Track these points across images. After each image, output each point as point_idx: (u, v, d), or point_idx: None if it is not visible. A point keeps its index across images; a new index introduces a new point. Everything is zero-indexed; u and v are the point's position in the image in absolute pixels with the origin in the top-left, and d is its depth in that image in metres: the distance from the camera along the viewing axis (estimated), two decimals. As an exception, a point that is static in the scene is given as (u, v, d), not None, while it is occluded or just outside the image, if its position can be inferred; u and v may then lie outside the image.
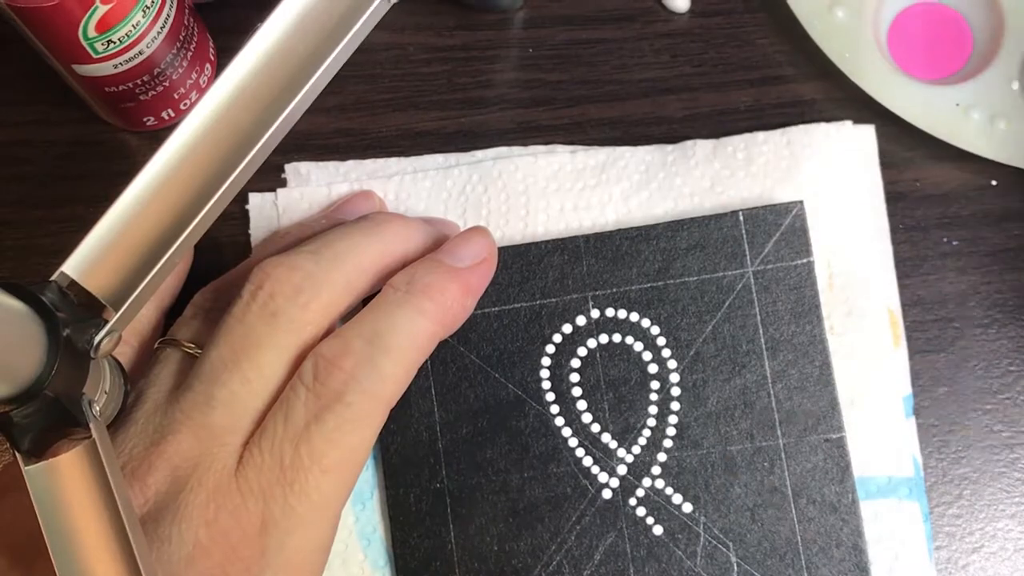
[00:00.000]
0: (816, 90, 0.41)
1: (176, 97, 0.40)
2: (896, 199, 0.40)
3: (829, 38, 0.40)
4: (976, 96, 0.39)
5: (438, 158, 0.41)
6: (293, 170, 0.41)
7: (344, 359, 0.30)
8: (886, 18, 0.41)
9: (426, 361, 0.36)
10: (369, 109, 0.42)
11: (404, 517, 0.37)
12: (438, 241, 0.35)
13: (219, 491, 0.29)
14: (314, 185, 0.40)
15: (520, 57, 0.42)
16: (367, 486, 0.37)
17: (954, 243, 0.40)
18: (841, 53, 0.40)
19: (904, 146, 0.40)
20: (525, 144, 0.41)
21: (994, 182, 0.40)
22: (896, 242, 0.39)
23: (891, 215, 0.40)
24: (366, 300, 0.33)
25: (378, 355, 0.31)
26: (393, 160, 0.41)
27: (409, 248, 0.35)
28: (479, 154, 0.41)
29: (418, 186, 0.40)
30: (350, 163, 0.41)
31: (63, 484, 0.26)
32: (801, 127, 0.39)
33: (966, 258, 0.40)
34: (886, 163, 0.40)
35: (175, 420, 0.30)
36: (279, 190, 0.40)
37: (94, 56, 0.36)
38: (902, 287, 0.39)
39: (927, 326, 0.39)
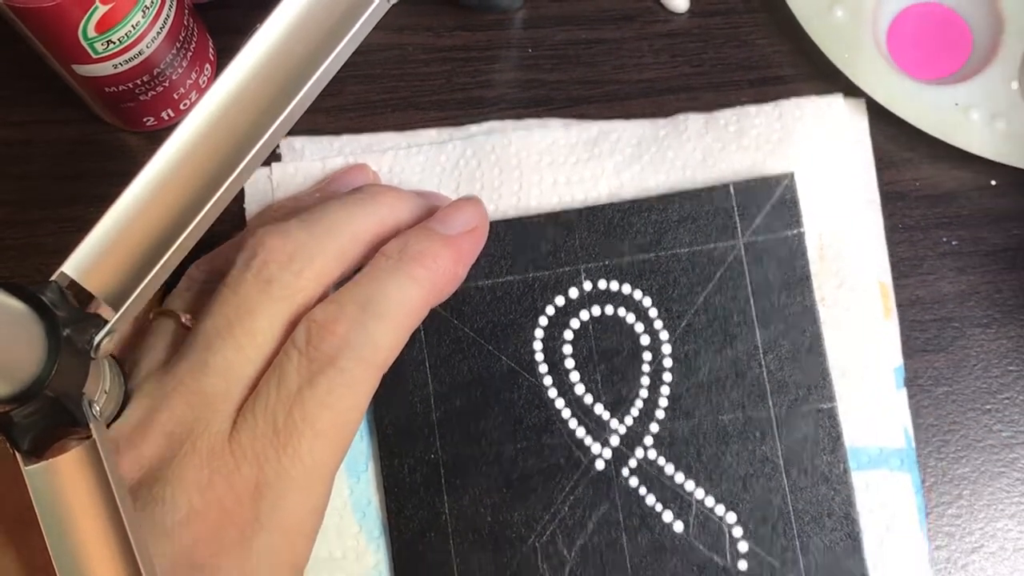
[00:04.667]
0: (815, 90, 0.41)
1: (176, 97, 0.40)
2: (895, 199, 0.40)
3: (828, 38, 0.40)
4: (975, 96, 0.39)
5: (431, 132, 0.41)
6: (287, 144, 0.41)
7: (337, 324, 0.31)
8: (885, 18, 0.41)
9: (420, 333, 0.37)
10: (368, 109, 0.42)
11: (398, 488, 0.37)
12: (431, 213, 0.36)
13: (213, 455, 0.30)
14: (308, 159, 0.40)
15: (519, 57, 0.42)
16: (362, 458, 0.38)
17: (953, 243, 0.40)
18: (840, 53, 0.40)
19: (903, 146, 0.40)
20: (519, 117, 0.41)
21: (993, 182, 0.40)
22: (895, 242, 0.39)
23: (890, 215, 0.40)
24: (359, 271, 0.34)
25: (370, 320, 0.31)
26: (387, 135, 0.41)
27: (402, 219, 0.35)
28: (473, 128, 0.41)
29: (412, 160, 0.40)
30: (344, 137, 0.41)
31: (63, 484, 0.26)
32: (793, 100, 0.40)
33: (965, 258, 0.40)
34: (886, 163, 0.40)
35: (170, 388, 0.30)
36: (273, 164, 0.40)
37: (94, 56, 0.36)
38: (901, 287, 0.39)
39: (926, 326, 0.39)
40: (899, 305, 0.39)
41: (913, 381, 0.38)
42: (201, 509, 0.29)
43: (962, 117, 0.39)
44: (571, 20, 0.43)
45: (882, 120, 0.40)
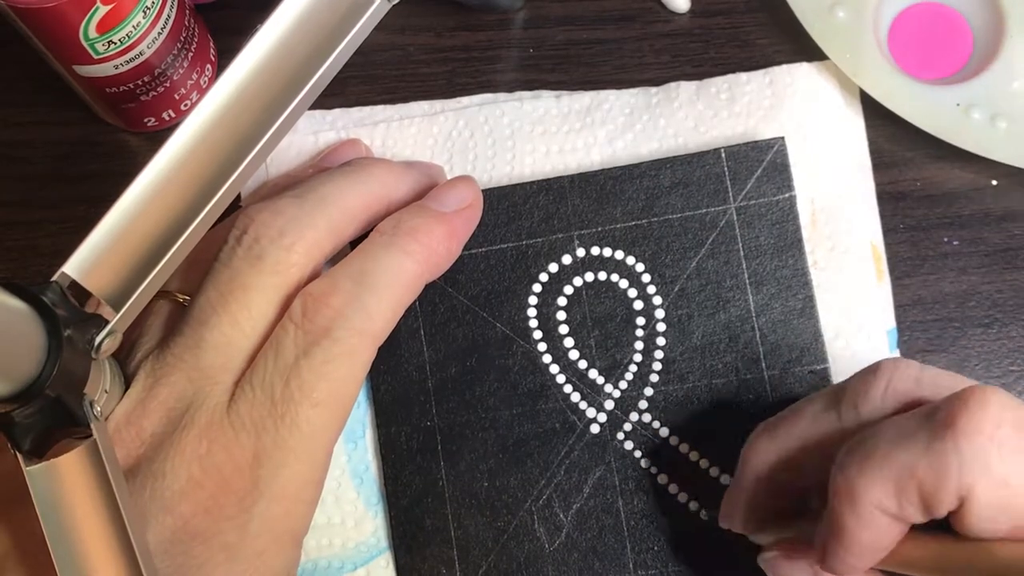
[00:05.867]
0: (816, 90, 0.41)
1: (177, 98, 0.40)
2: (896, 199, 0.40)
3: (829, 38, 0.40)
4: (976, 96, 0.39)
5: (424, 105, 0.41)
6: None
7: (332, 296, 0.31)
8: (886, 18, 0.41)
9: (415, 302, 0.36)
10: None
11: (395, 455, 0.37)
12: (422, 185, 0.36)
13: (211, 427, 0.30)
14: (301, 134, 0.40)
15: (520, 57, 0.42)
16: (359, 425, 0.38)
17: (954, 243, 0.40)
18: (841, 53, 0.40)
19: (904, 146, 0.40)
20: (511, 90, 0.41)
21: (995, 182, 0.40)
22: (896, 242, 0.40)
23: (891, 215, 0.40)
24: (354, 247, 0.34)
25: (365, 292, 0.31)
26: (379, 108, 0.41)
27: (392, 192, 0.35)
28: (465, 100, 0.41)
29: (404, 132, 0.40)
30: (336, 111, 0.41)
31: (64, 484, 0.26)
32: (784, 67, 0.40)
33: (966, 258, 0.40)
34: (886, 163, 0.40)
35: (167, 364, 0.31)
36: None
37: (95, 57, 0.36)
38: (902, 288, 0.39)
39: (927, 326, 0.39)
40: (900, 306, 0.39)
41: (914, 381, 0.38)
42: (200, 478, 0.29)
43: (963, 117, 0.39)
44: (572, 20, 0.43)
45: (883, 120, 0.40)
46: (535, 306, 0.38)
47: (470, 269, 0.38)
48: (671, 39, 0.42)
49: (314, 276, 0.32)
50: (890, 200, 0.40)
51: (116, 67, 0.37)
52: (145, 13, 0.36)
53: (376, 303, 0.32)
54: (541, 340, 0.38)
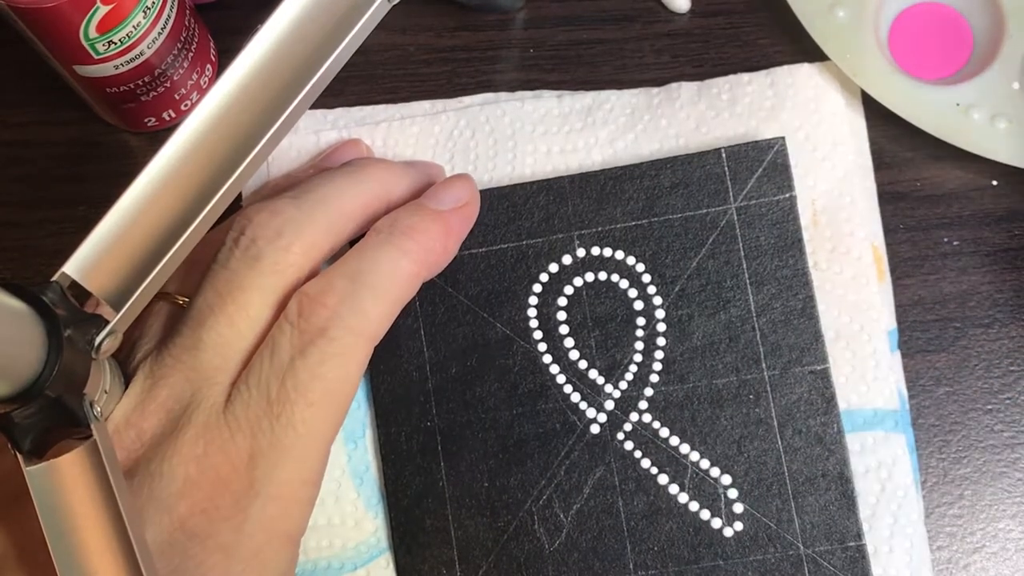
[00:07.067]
0: (816, 90, 0.41)
1: (177, 98, 0.40)
2: (896, 199, 0.40)
3: (829, 38, 0.40)
4: (976, 96, 0.39)
5: (425, 104, 0.41)
6: None
7: (327, 296, 0.31)
8: (887, 18, 0.41)
9: (414, 302, 0.37)
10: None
11: (396, 455, 0.37)
12: (421, 185, 0.36)
13: (208, 427, 0.30)
14: (302, 133, 0.40)
15: (521, 58, 0.42)
16: (359, 425, 0.38)
17: (955, 243, 0.40)
18: (842, 53, 0.40)
19: (904, 146, 0.40)
20: (512, 90, 0.41)
21: (995, 182, 0.40)
22: (896, 242, 0.40)
23: (891, 215, 0.40)
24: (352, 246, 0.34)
25: (360, 292, 0.31)
26: (381, 107, 0.41)
27: (392, 192, 0.35)
28: (466, 100, 0.41)
29: (406, 132, 0.40)
30: (338, 111, 0.41)
31: (64, 484, 0.26)
32: (785, 67, 0.40)
33: (967, 258, 0.40)
34: (887, 163, 0.40)
35: (166, 365, 0.31)
36: None
37: (95, 57, 0.36)
38: (902, 288, 0.39)
39: (927, 326, 0.39)
40: (900, 306, 0.39)
41: (915, 382, 0.38)
42: (196, 478, 0.29)
43: (963, 117, 0.39)
44: (572, 20, 0.43)
45: (883, 120, 0.40)
46: (535, 306, 0.38)
47: (470, 269, 0.38)
48: (671, 39, 0.42)
49: (312, 277, 0.32)
50: (890, 200, 0.40)
51: (116, 67, 0.37)
52: (145, 13, 0.36)
53: (372, 302, 0.32)
54: (541, 340, 0.38)
